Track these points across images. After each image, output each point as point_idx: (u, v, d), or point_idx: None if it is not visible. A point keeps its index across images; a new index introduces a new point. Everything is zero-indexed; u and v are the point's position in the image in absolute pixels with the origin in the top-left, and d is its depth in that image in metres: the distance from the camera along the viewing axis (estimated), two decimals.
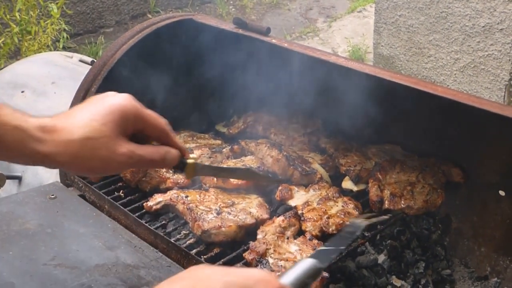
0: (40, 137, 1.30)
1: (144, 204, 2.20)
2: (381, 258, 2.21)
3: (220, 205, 2.10)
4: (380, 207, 2.18)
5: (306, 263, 1.18)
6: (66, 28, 6.20)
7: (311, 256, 1.26)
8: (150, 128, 1.41)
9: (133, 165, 1.43)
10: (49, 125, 1.32)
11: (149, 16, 7.38)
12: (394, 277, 2.20)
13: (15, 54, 6.09)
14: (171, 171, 2.36)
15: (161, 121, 1.42)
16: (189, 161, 1.48)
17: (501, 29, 4.45)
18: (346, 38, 6.97)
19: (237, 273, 1.07)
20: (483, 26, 4.53)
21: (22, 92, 3.17)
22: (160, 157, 1.41)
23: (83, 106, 1.38)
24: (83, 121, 1.32)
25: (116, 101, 1.36)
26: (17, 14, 5.68)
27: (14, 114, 1.30)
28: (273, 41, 2.30)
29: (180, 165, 1.47)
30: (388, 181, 2.26)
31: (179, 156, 1.45)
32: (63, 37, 6.06)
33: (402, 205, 2.15)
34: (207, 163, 2.42)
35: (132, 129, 1.38)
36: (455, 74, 4.86)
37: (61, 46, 6.06)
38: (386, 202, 2.17)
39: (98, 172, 1.48)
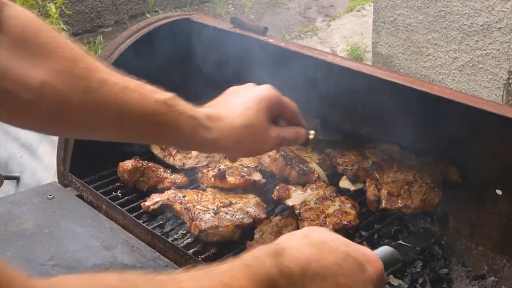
0: (208, 125, 1.49)
1: (141, 204, 2.20)
2: None
3: (218, 204, 2.10)
4: (377, 207, 2.19)
5: (388, 251, 1.25)
6: (65, 28, 6.21)
7: (392, 246, 1.31)
8: (286, 111, 1.64)
9: (278, 145, 1.70)
10: (214, 114, 1.52)
11: (148, 15, 7.38)
12: (391, 276, 2.20)
13: None
14: (168, 171, 2.37)
15: (294, 105, 1.67)
16: (311, 136, 1.74)
17: (499, 28, 4.46)
18: (345, 37, 6.97)
19: (355, 246, 1.14)
20: (482, 25, 4.53)
21: None
22: (295, 136, 1.65)
23: (233, 95, 1.61)
24: (241, 110, 1.53)
25: (263, 91, 1.60)
26: None
27: (187, 105, 1.48)
28: (270, 40, 2.30)
29: (305, 142, 1.73)
30: (385, 180, 2.26)
31: (306, 134, 1.71)
32: None
33: (399, 205, 2.16)
34: (204, 163, 2.42)
35: (275, 114, 1.60)
36: (453, 73, 4.86)
37: None
38: (383, 201, 2.18)
39: (253, 154, 1.74)
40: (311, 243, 1.06)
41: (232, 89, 1.66)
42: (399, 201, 2.16)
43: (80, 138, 1.51)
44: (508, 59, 4.49)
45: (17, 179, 2.76)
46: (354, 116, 2.62)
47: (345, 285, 1.03)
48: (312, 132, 1.75)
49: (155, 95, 1.46)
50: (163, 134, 1.48)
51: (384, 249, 1.26)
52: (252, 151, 1.64)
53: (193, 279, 0.87)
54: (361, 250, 1.13)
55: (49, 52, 1.32)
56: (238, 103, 1.55)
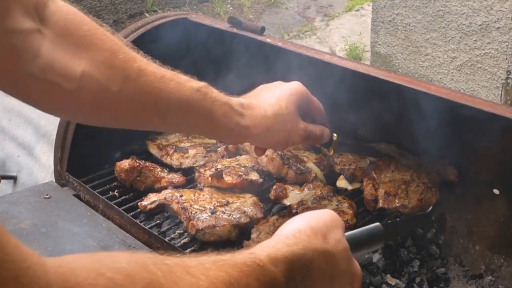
0: (241, 111, 1.56)
1: (138, 203, 2.20)
2: (376, 256, 2.22)
3: (215, 204, 2.10)
4: (375, 206, 2.19)
5: (372, 226, 1.32)
6: None
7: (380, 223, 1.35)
8: (313, 109, 1.72)
9: (305, 139, 1.72)
10: (246, 103, 1.59)
11: (147, 15, 7.38)
12: (388, 275, 2.20)
13: None
14: (166, 171, 2.37)
15: (321, 105, 1.74)
16: (334, 138, 1.81)
17: (498, 28, 4.45)
18: (343, 37, 6.97)
19: (353, 264, 1.18)
20: (480, 25, 4.53)
21: None
22: (321, 134, 1.72)
23: (264, 89, 1.68)
24: (273, 100, 1.61)
25: (293, 86, 1.68)
26: None
27: (220, 93, 1.55)
28: (268, 40, 2.30)
29: (329, 142, 1.78)
30: (383, 180, 2.26)
31: (330, 135, 1.77)
32: None
33: (397, 204, 2.16)
34: (201, 163, 2.42)
35: (303, 110, 1.67)
36: (452, 72, 4.86)
37: None
38: (381, 201, 2.18)
39: (281, 144, 1.70)
40: (324, 252, 1.09)
41: (263, 86, 1.73)
42: (397, 200, 2.16)
43: (121, 128, 1.55)
44: (506, 58, 4.49)
45: (14, 178, 2.76)
46: (352, 115, 2.62)
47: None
48: (335, 134, 1.81)
49: (190, 83, 1.51)
50: (199, 120, 1.53)
51: (372, 227, 1.32)
52: (280, 141, 1.67)
53: (201, 266, 0.88)
54: (356, 269, 1.18)
55: (89, 44, 1.39)
56: (270, 95, 1.63)
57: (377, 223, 1.33)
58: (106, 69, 1.40)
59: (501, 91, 4.63)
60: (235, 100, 1.58)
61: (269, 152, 2.38)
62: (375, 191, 2.21)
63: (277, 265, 1.00)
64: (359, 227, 2.13)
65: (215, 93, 1.54)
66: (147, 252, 1.81)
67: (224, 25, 2.45)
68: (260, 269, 0.96)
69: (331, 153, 1.90)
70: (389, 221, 1.43)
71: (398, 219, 1.44)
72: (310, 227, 1.12)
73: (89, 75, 1.37)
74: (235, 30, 2.39)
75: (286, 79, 2.48)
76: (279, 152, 2.35)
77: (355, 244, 1.23)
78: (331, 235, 1.13)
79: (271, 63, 2.43)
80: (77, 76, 1.35)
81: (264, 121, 1.59)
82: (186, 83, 1.51)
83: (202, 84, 1.54)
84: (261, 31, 2.34)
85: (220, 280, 0.88)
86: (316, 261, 1.07)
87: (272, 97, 1.62)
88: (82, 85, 1.37)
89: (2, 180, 2.59)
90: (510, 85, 4.58)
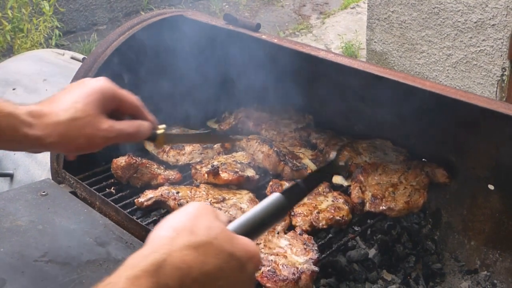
0: (30, 121, 1.40)
1: (135, 200, 2.20)
2: (372, 252, 2.22)
3: (211, 200, 2.10)
4: (362, 209, 2.18)
5: (272, 199, 1.25)
6: (59, 26, 6.20)
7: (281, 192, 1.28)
8: (125, 105, 1.55)
9: (114, 140, 1.53)
10: (36, 110, 1.43)
11: (142, 13, 7.37)
12: (384, 271, 2.21)
13: (8, 52, 6.08)
14: (162, 167, 2.37)
15: (134, 98, 1.57)
16: (159, 131, 1.62)
17: (493, 25, 4.47)
18: (339, 35, 6.98)
19: (239, 242, 1.10)
20: (475, 22, 4.54)
21: (14, 89, 3.17)
22: (135, 130, 1.54)
23: (65, 91, 1.51)
24: (68, 104, 1.45)
25: (94, 83, 1.50)
26: (9, 11, 5.68)
27: (5, 102, 1.40)
28: (263, 37, 2.30)
29: (152, 136, 1.61)
30: (370, 182, 2.24)
31: (151, 128, 1.59)
32: (56, 34, 6.06)
33: (383, 207, 2.15)
34: (198, 159, 2.43)
35: (110, 107, 1.51)
36: (447, 70, 4.87)
37: (53, 44, 6.06)
38: (367, 204, 2.17)
39: (84, 150, 1.53)
40: (196, 246, 1.04)
41: (68, 86, 1.57)
42: (383, 203, 2.15)
43: None
44: (501, 55, 4.50)
45: (10, 176, 2.76)
46: (348, 112, 2.62)
47: (222, 287, 1.04)
48: (161, 126, 1.64)
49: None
50: None
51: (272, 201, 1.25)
52: (82, 146, 1.49)
53: None
54: (245, 246, 1.11)
55: None
56: (67, 98, 1.48)
57: (277, 194, 1.26)
58: None
59: (496, 88, 4.64)
60: (23, 109, 1.42)
61: (265, 148, 2.38)
62: (362, 194, 2.20)
63: (140, 283, 0.95)
64: (353, 223, 2.15)
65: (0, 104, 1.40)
66: None
67: (220, 22, 2.45)
68: None
69: (159, 146, 1.78)
70: (291, 185, 1.35)
71: (299, 181, 1.35)
72: (171, 227, 1.06)
73: None
74: (231, 27, 2.39)
75: (278, 75, 2.50)
76: (275, 149, 2.36)
77: (258, 224, 1.19)
78: (198, 226, 1.07)
79: (265, 59, 2.44)
80: None
81: (57, 128, 1.43)
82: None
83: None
84: (257, 28, 2.34)
85: None
86: (188, 258, 1.02)
87: (68, 100, 1.46)
88: None
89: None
90: (505, 82, 4.60)
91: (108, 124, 1.49)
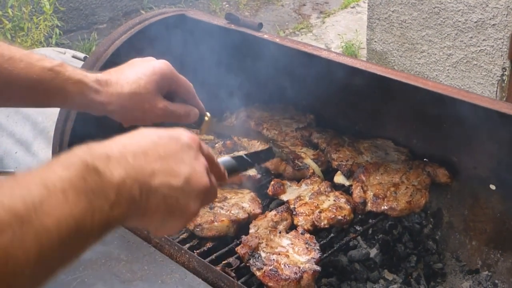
0: (97, 88, 1.54)
1: None
2: (373, 252, 2.23)
3: None
4: (363, 209, 2.17)
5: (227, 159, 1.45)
6: (59, 24, 6.19)
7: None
8: (180, 89, 1.68)
9: (164, 118, 1.67)
10: (103, 79, 1.57)
11: (142, 12, 7.36)
12: (386, 271, 2.21)
13: None
14: None
15: (190, 84, 1.70)
16: (206, 118, 1.77)
17: (493, 25, 4.47)
18: (339, 34, 6.98)
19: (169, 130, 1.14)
20: (476, 22, 4.54)
21: None
22: (186, 113, 1.68)
23: (130, 65, 1.65)
24: (132, 79, 1.59)
25: (158, 64, 1.64)
26: (9, 10, 5.67)
27: (75, 70, 1.54)
28: (265, 36, 2.30)
29: (199, 121, 1.74)
30: (372, 182, 2.24)
31: (198, 114, 1.73)
32: (56, 33, 6.05)
33: (385, 207, 2.14)
34: None
35: (167, 89, 1.65)
36: (447, 69, 4.87)
37: (54, 42, 6.05)
38: (369, 203, 2.17)
39: (137, 122, 1.65)
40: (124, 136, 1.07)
41: (132, 61, 1.70)
42: (385, 203, 2.15)
43: None
44: (502, 55, 4.50)
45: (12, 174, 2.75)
46: (349, 111, 2.62)
47: (166, 154, 1.06)
48: (208, 114, 1.77)
49: (41, 62, 1.51)
50: (52, 99, 1.55)
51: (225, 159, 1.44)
52: (137, 119, 1.64)
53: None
54: (174, 130, 1.15)
55: None
56: (132, 73, 1.62)
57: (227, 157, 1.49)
58: None
59: (497, 88, 4.64)
60: (91, 77, 1.57)
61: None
62: (364, 194, 2.20)
63: (73, 162, 0.92)
64: (355, 222, 2.15)
65: (69, 71, 1.53)
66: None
67: (222, 22, 2.45)
68: (59, 160, 0.91)
69: (203, 133, 1.89)
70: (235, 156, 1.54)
71: (244, 155, 1.56)
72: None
73: None
74: (232, 27, 2.39)
75: (280, 75, 2.50)
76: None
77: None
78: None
79: (267, 58, 2.44)
80: None
81: (119, 98, 1.58)
82: (37, 63, 1.51)
83: (56, 62, 1.53)
84: (259, 27, 2.34)
85: None
86: (126, 142, 1.04)
87: (133, 75, 1.61)
88: None
89: (0, 177, 2.59)
90: (505, 82, 4.60)
91: (163, 104, 1.63)
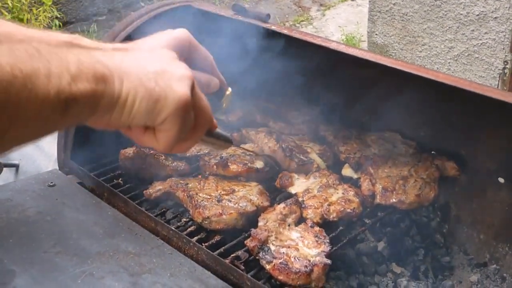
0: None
1: (144, 191, 2.19)
2: (381, 245, 2.22)
3: (221, 192, 2.09)
4: (372, 202, 2.17)
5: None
6: (59, 16, 6.17)
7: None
8: (200, 58, 1.60)
9: None
10: (120, 46, 1.52)
11: (142, 4, 7.32)
12: (393, 264, 2.20)
13: None
14: (170, 159, 2.35)
15: (210, 55, 1.63)
16: (227, 92, 1.67)
17: (495, 18, 4.45)
18: (340, 27, 6.96)
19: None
20: (478, 15, 4.53)
21: None
22: (207, 81, 1.60)
23: (149, 37, 1.60)
24: (150, 45, 1.52)
25: (175, 32, 1.58)
26: (9, 1, 5.65)
27: (92, 41, 1.49)
28: (273, 27, 2.28)
29: (219, 93, 1.66)
30: (380, 175, 2.23)
31: (218, 85, 1.64)
32: (56, 24, 6.02)
33: (394, 200, 2.13)
34: (206, 151, 2.41)
35: (186, 56, 1.57)
36: (449, 62, 4.86)
37: None
38: (378, 196, 2.16)
39: None
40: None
41: (154, 34, 1.74)
42: (394, 196, 2.14)
43: None
44: (503, 48, 4.49)
45: (16, 166, 2.74)
46: (356, 104, 2.61)
47: (146, 55, 1.15)
48: (229, 89, 1.70)
49: (58, 37, 1.53)
50: None
51: None
52: None
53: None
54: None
55: None
56: (150, 41, 1.55)
57: None
58: None
59: (498, 81, 4.63)
60: (109, 46, 1.49)
61: (271, 144, 2.37)
62: (372, 187, 2.19)
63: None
64: (363, 216, 2.14)
65: (85, 42, 1.46)
66: None
67: (228, 13, 2.43)
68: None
69: (224, 106, 1.87)
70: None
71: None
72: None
73: None
74: (240, 18, 2.37)
75: (287, 66, 2.48)
76: (282, 144, 2.34)
77: None
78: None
79: (274, 50, 2.42)
80: None
81: None
82: (54, 38, 1.55)
83: (73, 36, 1.49)
84: (266, 18, 2.32)
85: None
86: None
87: (151, 41, 1.54)
88: None
89: (4, 168, 2.57)
90: (507, 75, 4.59)
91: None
